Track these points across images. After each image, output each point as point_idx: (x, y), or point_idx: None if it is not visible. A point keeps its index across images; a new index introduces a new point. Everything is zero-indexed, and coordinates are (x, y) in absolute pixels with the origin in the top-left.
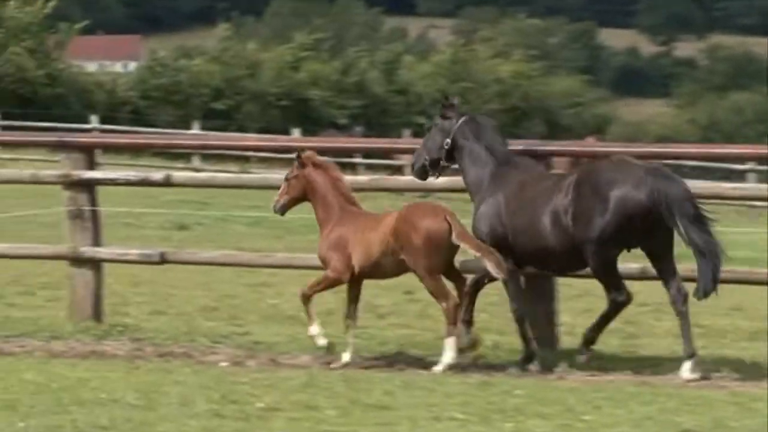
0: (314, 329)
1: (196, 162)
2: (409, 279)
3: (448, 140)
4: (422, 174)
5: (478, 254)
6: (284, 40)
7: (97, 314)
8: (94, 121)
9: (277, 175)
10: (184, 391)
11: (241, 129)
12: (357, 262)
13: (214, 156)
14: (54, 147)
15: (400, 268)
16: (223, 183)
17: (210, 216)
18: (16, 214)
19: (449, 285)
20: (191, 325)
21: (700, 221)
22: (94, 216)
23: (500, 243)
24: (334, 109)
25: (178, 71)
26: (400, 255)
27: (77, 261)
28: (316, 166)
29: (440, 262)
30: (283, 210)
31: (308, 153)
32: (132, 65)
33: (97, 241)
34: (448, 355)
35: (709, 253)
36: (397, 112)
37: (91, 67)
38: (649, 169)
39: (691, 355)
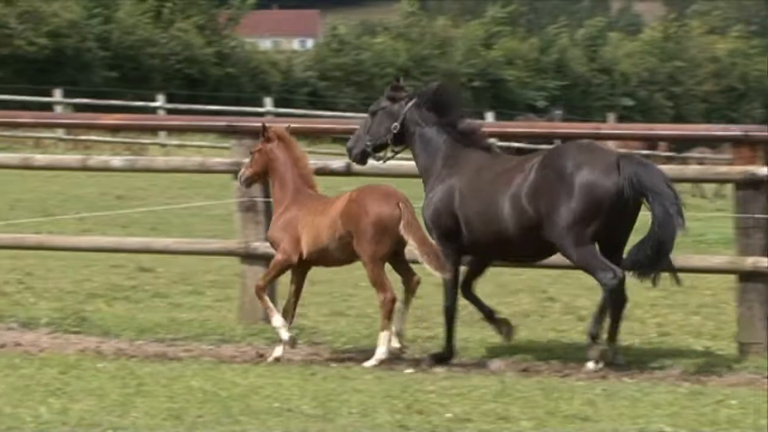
0: (277, 320)
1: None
2: None
3: (397, 124)
4: (362, 159)
5: (418, 249)
6: (476, 15)
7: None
8: (268, 104)
9: None
10: (366, 400)
11: None
12: (305, 246)
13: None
14: (224, 132)
15: (347, 255)
16: (409, 171)
17: None
18: (183, 206)
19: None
20: (373, 327)
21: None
22: (268, 208)
23: (449, 232)
24: (532, 90)
25: (361, 49)
26: (348, 240)
27: (249, 257)
28: (281, 141)
29: (387, 250)
30: (247, 184)
31: (276, 127)
32: (310, 43)
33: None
34: (381, 350)
35: (660, 244)
36: (601, 93)
37: (265, 44)
38: (623, 155)
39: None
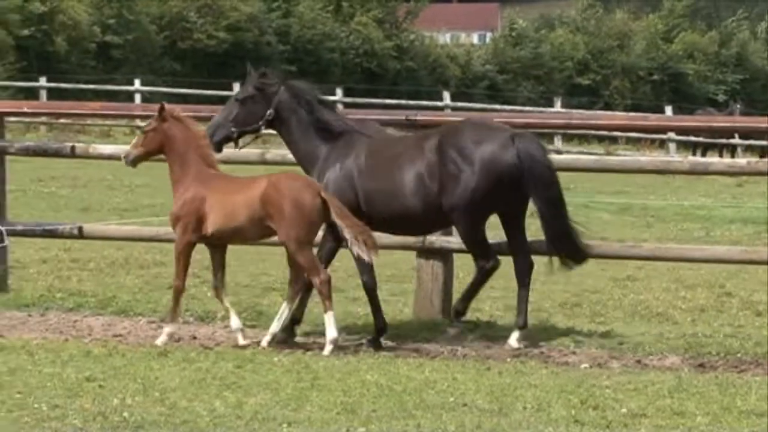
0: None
1: (557, 143)
2: None
3: (271, 111)
4: (221, 147)
5: (352, 234)
6: (654, 8)
7: (446, 310)
8: (446, 98)
9: (647, 158)
10: (540, 395)
11: (608, 106)
12: (214, 224)
13: (577, 136)
14: (402, 126)
15: (262, 234)
16: (586, 166)
17: (572, 202)
18: None
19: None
20: (549, 322)
21: (556, 195)
22: None
23: (351, 209)
24: (711, 84)
25: (539, 43)
26: (266, 222)
27: (426, 252)
28: (178, 121)
29: (312, 237)
30: (134, 163)
31: (170, 107)
32: (489, 36)
33: (447, 231)
34: (331, 332)
35: (559, 234)
36: None
37: (444, 38)
38: (515, 133)
39: (522, 327)
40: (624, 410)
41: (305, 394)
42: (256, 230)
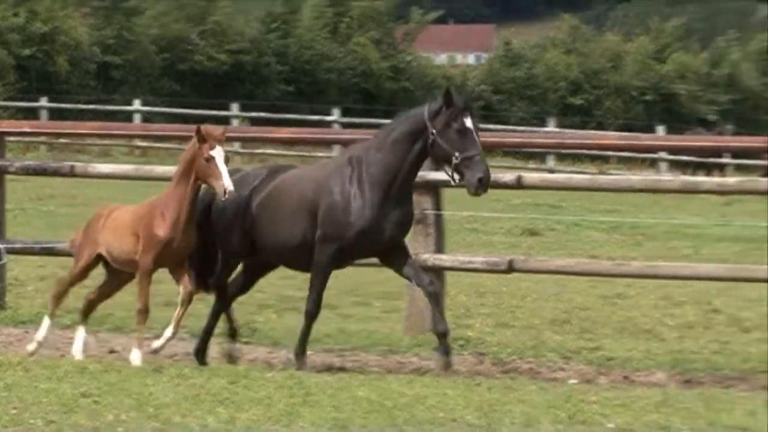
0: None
1: (550, 162)
2: None
3: None
4: None
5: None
6: (647, 29)
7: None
8: None
9: (638, 177)
10: (529, 410)
11: (601, 126)
12: None
13: (570, 156)
14: None
15: None
16: (578, 185)
17: (563, 221)
18: None
19: None
20: (539, 338)
21: None
22: (438, 221)
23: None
24: (703, 104)
25: (534, 63)
26: None
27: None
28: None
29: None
30: None
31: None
32: (485, 57)
33: (439, 248)
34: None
35: None
36: None
37: (441, 59)
38: None
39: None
40: (611, 425)
41: (297, 409)
42: None
